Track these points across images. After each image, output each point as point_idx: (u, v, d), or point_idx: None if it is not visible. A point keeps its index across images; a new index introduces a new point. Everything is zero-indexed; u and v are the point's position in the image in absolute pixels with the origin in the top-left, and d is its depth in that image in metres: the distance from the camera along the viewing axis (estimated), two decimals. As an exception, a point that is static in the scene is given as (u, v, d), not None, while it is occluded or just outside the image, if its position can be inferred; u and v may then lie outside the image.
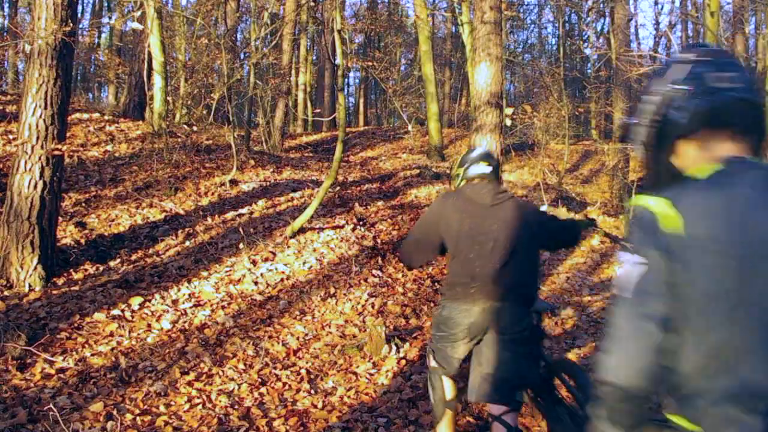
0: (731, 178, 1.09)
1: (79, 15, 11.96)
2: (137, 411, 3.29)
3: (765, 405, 1.00)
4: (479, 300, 2.51)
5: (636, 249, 1.11)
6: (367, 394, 3.66)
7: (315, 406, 3.49)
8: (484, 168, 2.79)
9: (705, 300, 1.04)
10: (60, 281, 5.02)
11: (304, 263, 5.73)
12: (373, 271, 5.69)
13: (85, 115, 10.00)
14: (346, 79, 24.50)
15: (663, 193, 1.11)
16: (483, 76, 7.37)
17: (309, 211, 6.28)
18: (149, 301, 4.74)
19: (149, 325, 4.39)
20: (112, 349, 3.99)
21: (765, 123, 1.19)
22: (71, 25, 4.98)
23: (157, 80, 9.47)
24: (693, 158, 1.18)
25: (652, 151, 1.25)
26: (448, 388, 2.72)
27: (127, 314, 4.49)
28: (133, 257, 5.68)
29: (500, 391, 2.54)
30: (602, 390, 1.13)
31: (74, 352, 3.89)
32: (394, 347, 4.16)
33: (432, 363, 2.75)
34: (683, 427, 1.07)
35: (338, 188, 8.37)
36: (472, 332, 2.54)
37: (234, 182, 8.05)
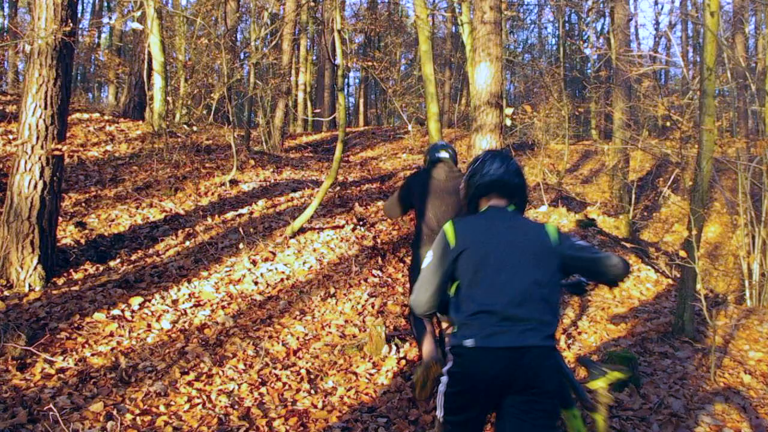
0: (485, 214, 2.28)
1: (79, 15, 11.95)
2: (137, 411, 3.29)
3: (494, 315, 2.03)
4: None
5: (433, 249, 2.21)
6: (367, 394, 3.66)
7: (315, 406, 3.50)
8: (443, 154, 3.93)
9: (468, 272, 2.11)
10: (60, 281, 5.02)
11: (304, 263, 5.73)
12: (373, 271, 5.69)
13: (85, 115, 10.00)
14: (346, 79, 24.51)
15: (456, 221, 2.24)
16: (483, 76, 7.37)
17: (309, 211, 6.28)
18: (149, 301, 4.74)
19: (149, 325, 4.39)
20: (112, 349, 3.99)
21: (516, 189, 2.33)
22: (71, 25, 4.98)
23: (157, 80, 9.47)
24: (483, 206, 2.34)
25: (468, 203, 2.40)
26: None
27: (127, 314, 4.49)
28: (133, 257, 5.68)
29: None
30: (411, 307, 2.28)
31: (74, 352, 3.89)
32: (394, 347, 4.16)
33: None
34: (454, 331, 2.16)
35: (338, 188, 8.36)
36: None
37: (234, 182, 8.05)
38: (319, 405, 3.51)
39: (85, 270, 5.30)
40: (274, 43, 12.07)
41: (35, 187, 4.91)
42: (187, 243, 6.06)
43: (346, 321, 4.72)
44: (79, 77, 21.89)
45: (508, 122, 8.36)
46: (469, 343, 2.03)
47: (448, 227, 2.19)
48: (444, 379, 2.13)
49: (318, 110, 19.00)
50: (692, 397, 3.58)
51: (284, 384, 3.74)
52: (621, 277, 2.23)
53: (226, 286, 5.17)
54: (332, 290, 5.21)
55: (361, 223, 6.95)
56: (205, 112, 9.84)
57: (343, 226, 6.76)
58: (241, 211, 7.05)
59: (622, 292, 5.43)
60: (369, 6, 21.15)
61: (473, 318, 2.06)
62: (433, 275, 2.17)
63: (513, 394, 2.02)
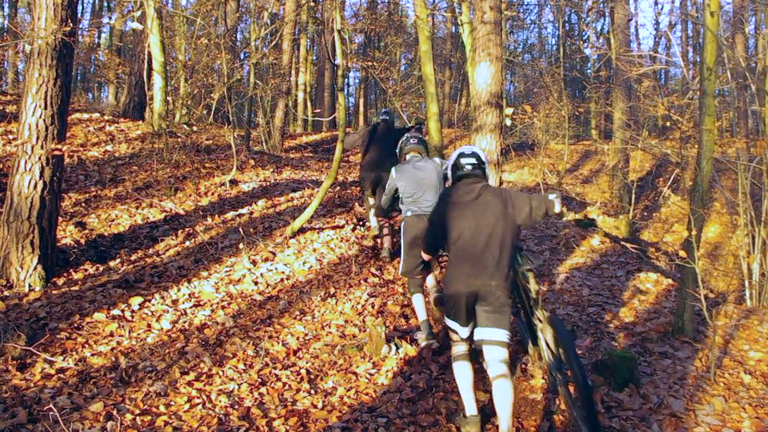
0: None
1: (79, 15, 11.95)
2: (137, 411, 3.29)
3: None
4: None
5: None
6: (367, 394, 3.66)
7: (315, 406, 3.49)
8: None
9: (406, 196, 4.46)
10: (60, 281, 5.02)
11: (304, 263, 5.73)
12: (373, 271, 5.68)
13: (85, 115, 10.00)
14: (346, 79, 24.52)
15: None
16: (483, 76, 7.37)
17: (309, 211, 6.28)
18: (149, 301, 4.74)
19: (149, 325, 4.39)
20: (112, 349, 3.99)
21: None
22: (71, 25, 4.98)
23: (157, 80, 9.47)
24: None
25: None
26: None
27: (127, 314, 4.49)
28: (133, 257, 5.68)
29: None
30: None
31: (74, 352, 3.89)
32: (394, 347, 4.16)
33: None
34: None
35: (338, 188, 8.36)
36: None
37: (234, 182, 8.05)
38: (319, 405, 3.51)
39: (85, 270, 5.31)
40: (274, 43, 12.06)
41: (35, 187, 4.91)
42: (187, 243, 6.06)
43: (346, 321, 4.72)
44: (79, 77, 21.89)
45: (508, 122, 8.35)
46: None
47: None
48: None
49: (318, 110, 18.99)
50: (692, 397, 3.58)
51: (284, 384, 3.74)
52: None
53: (226, 286, 5.17)
54: (332, 290, 5.21)
55: (361, 223, 6.94)
56: (205, 112, 9.84)
57: (343, 226, 6.76)
58: (241, 211, 7.05)
59: (622, 292, 5.43)
60: (369, 6, 21.14)
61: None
62: None
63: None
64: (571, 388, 3.12)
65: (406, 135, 4.91)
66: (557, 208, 3.38)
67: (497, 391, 3.08)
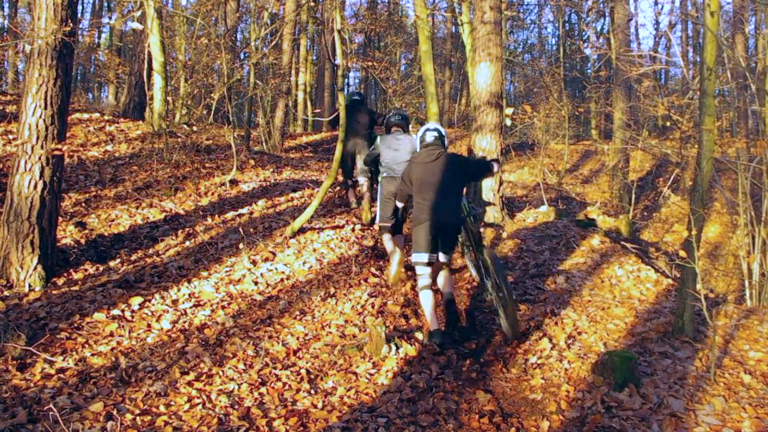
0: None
1: (79, 15, 11.95)
2: (137, 411, 3.29)
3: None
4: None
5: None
6: (367, 394, 3.66)
7: (315, 406, 3.49)
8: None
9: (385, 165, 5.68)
10: (60, 281, 5.02)
11: (304, 263, 5.73)
12: (373, 271, 5.69)
13: (85, 115, 10.00)
14: (346, 79, 24.52)
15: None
16: (483, 76, 7.37)
17: (309, 211, 6.28)
18: (149, 301, 4.74)
19: (149, 325, 4.39)
20: (112, 349, 3.99)
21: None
22: (71, 25, 4.98)
23: (157, 80, 9.47)
24: None
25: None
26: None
27: (127, 314, 4.49)
28: (133, 257, 5.68)
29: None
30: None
31: (74, 352, 3.89)
32: (394, 347, 4.16)
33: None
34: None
35: (338, 188, 8.36)
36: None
37: (234, 182, 8.05)
38: (319, 405, 3.51)
39: (85, 270, 5.31)
40: (274, 43, 12.06)
41: (35, 187, 4.91)
42: (187, 243, 6.06)
43: (346, 321, 4.72)
44: (79, 77, 21.89)
45: (508, 122, 8.36)
46: None
47: None
48: None
49: (318, 110, 18.98)
50: (692, 397, 3.58)
51: (284, 384, 3.74)
52: None
53: (226, 286, 5.17)
54: (332, 290, 5.21)
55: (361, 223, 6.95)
56: (205, 112, 9.84)
57: (343, 226, 6.76)
58: (241, 211, 7.05)
59: (622, 292, 5.43)
60: (369, 6, 21.15)
61: None
62: None
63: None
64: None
65: (392, 111, 6.10)
66: (495, 170, 4.86)
67: (440, 279, 4.70)
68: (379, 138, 5.79)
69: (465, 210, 4.83)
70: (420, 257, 4.52)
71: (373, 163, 6.01)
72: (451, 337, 4.57)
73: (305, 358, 4.11)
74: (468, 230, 4.85)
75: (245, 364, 3.93)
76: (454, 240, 4.66)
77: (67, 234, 5.88)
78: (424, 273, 4.54)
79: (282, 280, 5.39)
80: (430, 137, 4.71)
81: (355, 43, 20.12)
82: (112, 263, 5.50)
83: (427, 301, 4.49)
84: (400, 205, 5.05)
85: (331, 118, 16.69)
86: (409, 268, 5.37)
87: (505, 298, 4.19)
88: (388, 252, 5.59)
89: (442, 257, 4.54)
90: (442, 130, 4.77)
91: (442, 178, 4.50)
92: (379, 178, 5.74)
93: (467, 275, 5.72)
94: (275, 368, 3.92)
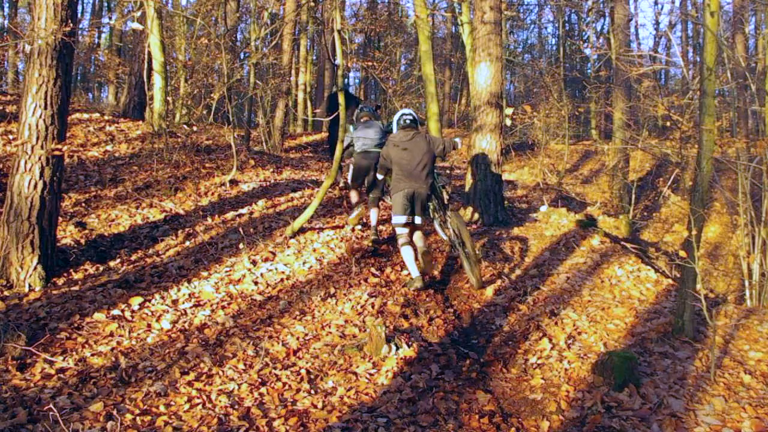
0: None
1: (79, 15, 11.95)
2: (137, 411, 3.29)
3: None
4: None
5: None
6: (367, 394, 3.66)
7: (315, 406, 3.49)
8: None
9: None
10: (60, 281, 5.02)
11: (304, 263, 5.73)
12: (373, 271, 5.69)
13: (85, 115, 10.01)
14: (346, 79, 24.50)
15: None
16: (483, 76, 7.37)
17: (309, 211, 6.28)
18: (149, 301, 4.74)
19: (149, 325, 4.39)
20: (112, 349, 3.99)
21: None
22: (71, 25, 4.98)
23: (157, 80, 9.47)
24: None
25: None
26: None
27: (127, 314, 4.49)
28: (133, 257, 5.68)
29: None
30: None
31: (74, 352, 3.89)
32: (394, 347, 4.16)
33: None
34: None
35: (338, 188, 8.36)
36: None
37: (234, 182, 8.05)
38: (319, 405, 3.51)
39: (85, 270, 5.31)
40: (274, 43, 12.07)
41: (35, 187, 4.91)
42: (187, 243, 6.06)
43: (346, 321, 4.72)
44: (79, 77, 21.89)
45: (508, 122, 8.36)
46: None
47: None
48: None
49: (318, 110, 18.97)
50: (692, 397, 3.58)
51: (284, 384, 3.74)
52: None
53: (226, 286, 5.17)
54: (332, 290, 5.21)
55: (361, 223, 6.95)
56: (205, 112, 9.84)
57: (342, 226, 6.76)
58: (241, 211, 7.05)
59: (622, 292, 5.43)
60: (369, 6, 21.14)
61: None
62: None
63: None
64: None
65: (360, 106, 7.10)
66: (458, 146, 5.85)
67: (415, 238, 5.50)
68: (351, 127, 6.81)
69: (435, 180, 5.70)
70: (399, 219, 5.43)
71: (349, 147, 6.93)
72: (451, 337, 4.58)
73: (305, 358, 4.11)
74: (438, 197, 5.70)
75: (245, 364, 3.93)
76: (427, 206, 5.58)
77: (67, 234, 5.88)
78: (402, 233, 5.43)
79: (282, 280, 5.39)
80: (406, 120, 5.61)
81: (355, 43, 20.12)
82: (112, 263, 5.50)
83: (407, 254, 5.35)
84: (380, 177, 5.96)
85: (330, 118, 16.71)
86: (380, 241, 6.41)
87: (470, 252, 5.27)
88: (353, 203, 6.99)
89: (417, 220, 5.46)
90: (415, 115, 5.71)
91: (415, 154, 5.43)
92: (354, 155, 6.64)
93: (468, 282, 5.71)
94: (275, 368, 3.92)
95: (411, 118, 5.64)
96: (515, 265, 6.05)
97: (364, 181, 6.57)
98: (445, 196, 5.67)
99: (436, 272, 5.90)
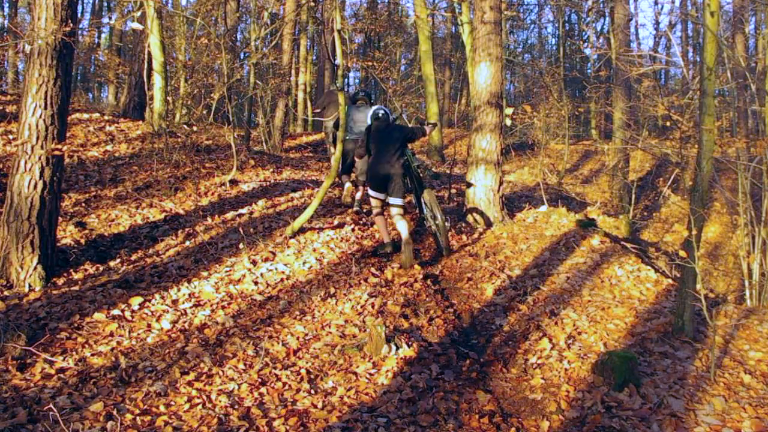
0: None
1: (79, 15, 11.94)
2: (137, 411, 3.29)
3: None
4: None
5: None
6: (367, 394, 3.66)
7: (315, 406, 3.50)
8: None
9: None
10: (60, 281, 5.02)
11: (304, 263, 5.73)
12: (373, 271, 5.69)
13: (85, 115, 10.01)
14: (346, 79, 24.48)
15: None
16: (483, 76, 7.37)
17: (309, 211, 6.28)
18: (149, 301, 4.74)
19: (149, 325, 4.39)
20: (112, 349, 3.99)
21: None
22: (71, 25, 4.98)
23: (157, 80, 9.47)
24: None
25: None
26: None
27: (127, 314, 4.49)
28: (133, 257, 5.68)
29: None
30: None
31: (74, 352, 3.89)
32: (394, 347, 4.16)
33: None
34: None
35: (338, 188, 8.36)
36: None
37: (234, 182, 8.05)
38: (319, 405, 3.51)
39: (85, 270, 5.31)
40: (274, 43, 12.07)
41: (35, 187, 4.91)
42: (187, 243, 6.06)
43: (346, 321, 4.72)
44: (79, 77, 21.89)
45: (508, 122, 8.35)
46: None
47: None
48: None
49: (318, 110, 18.96)
50: (692, 397, 3.58)
51: (284, 384, 3.74)
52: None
53: (226, 286, 5.17)
54: (332, 290, 5.21)
55: (361, 212, 7.16)
56: (205, 112, 9.84)
57: (342, 226, 6.76)
58: (241, 211, 7.05)
59: (622, 292, 5.43)
60: (369, 6, 21.14)
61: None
62: None
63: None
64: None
65: (358, 89, 8.06)
66: (428, 132, 6.60)
67: (397, 224, 5.99)
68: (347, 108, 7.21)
69: (411, 161, 6.36)
70: (373, 193, 6.25)
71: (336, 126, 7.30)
72: (451, 337, 4.57)
73: (305, 358, 4.11)
74: (413, 176, 6.38)
75: (245, 364, 3.93)
76: (402, 185, 6.10)
77: (67, 234, 5.88)
78: (377, 205, 6.20)
79: (282, 280, 5.39)
80: (379, 113, 6.53)
81: (355, 43, 20.12)
82: (112, 263, 5.50)
83: (379, 222, 6.18)
84: (357, 159, 6.89)
85: (330, 118, 16.71)
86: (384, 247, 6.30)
87: (440, 224, 6.08)
88: (343, 183, 7.70)
89: (392, 200, 6.06)
90: (388, 111, 6.61)
91: (390, 140, 6.22)
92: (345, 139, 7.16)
93: (469, 283, 5.72)
94: (275, 368, 3.92)
95: (382, 111, 6.57)
96: (514, 266, 6.05)
97: (347, 161, 7.34)
98: (422, 174, 6.43)
99: (435, 272, 5.90)
